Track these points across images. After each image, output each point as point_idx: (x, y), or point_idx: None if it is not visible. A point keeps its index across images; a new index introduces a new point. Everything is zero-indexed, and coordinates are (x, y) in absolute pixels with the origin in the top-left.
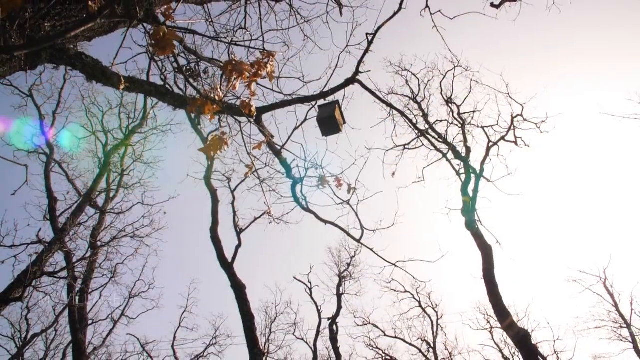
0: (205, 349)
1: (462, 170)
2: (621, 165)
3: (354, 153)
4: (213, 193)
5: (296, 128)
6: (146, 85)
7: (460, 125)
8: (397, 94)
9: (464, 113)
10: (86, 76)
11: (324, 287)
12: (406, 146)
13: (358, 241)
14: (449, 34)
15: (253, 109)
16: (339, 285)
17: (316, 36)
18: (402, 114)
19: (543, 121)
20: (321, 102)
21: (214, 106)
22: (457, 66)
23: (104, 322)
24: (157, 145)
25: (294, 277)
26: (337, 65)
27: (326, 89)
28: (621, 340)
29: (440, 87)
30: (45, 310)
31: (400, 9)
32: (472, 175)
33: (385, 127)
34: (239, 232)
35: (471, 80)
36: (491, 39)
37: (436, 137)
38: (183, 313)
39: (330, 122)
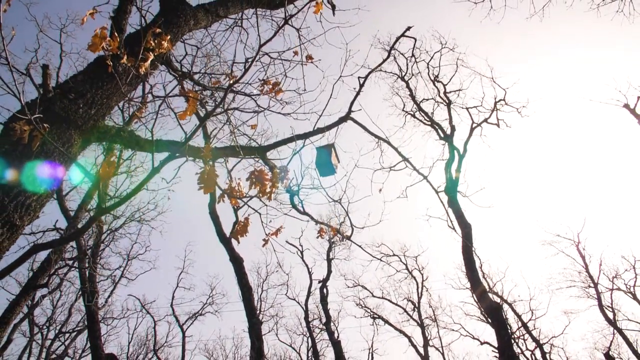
0: (202, 307)
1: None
2: (600, 139)
3: (346, 166)
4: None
5: (294, 154)
6: (172, 145)
7: (446, 104)
8: (385, 71)
9: (450, 92)
10: (124, 146)
11: (315, 252)
12: (392, 168)
13: (348, 238)
14: (441, 17)
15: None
16: (329, 250)
17: (312, 38)
18: (389, 143)
19: (524, 106)
20: (317, 138)
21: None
22: (444, 47)
23: (104, 283)
24: (157, 133)
25: (287, 241)
26: (331, 95)
27: (325, 108)
28: (589, 297)
29: (428, 67)
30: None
31: (389, 56)
32: (456, 155)
33: (373, 154)
34: (236, 209)
35: (457, 59)
36: (479, 24)
37: (423, 116)
38: (180, 274)
39: (327, 166)
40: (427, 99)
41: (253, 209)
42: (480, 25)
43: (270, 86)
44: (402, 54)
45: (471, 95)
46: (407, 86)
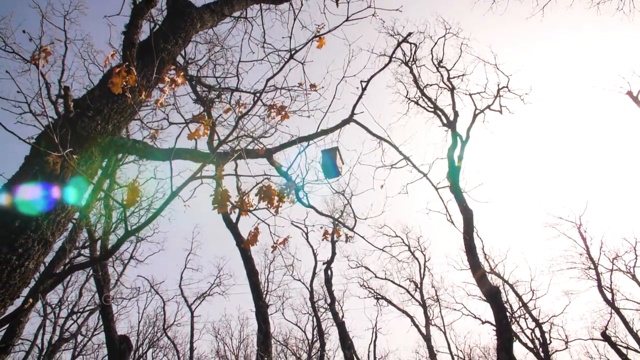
0: (210, 288)
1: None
2: (602, 125)
3: (349, 161)
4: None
5: (298, 155)
6: (183, 153)
7: (449, 90)
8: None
9: (454, 77)
10: (139, 157)
11: (320, 234)
12: (393, 166)
13: (351, 229)
14: (446, 5)
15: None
16: (333, 232)
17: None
18: (391, 143)
19: (527, 93)
20: (321, 137)
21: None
22: (448, 32)
23: (114, 264)
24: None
25: (292, 222)
26: (334, 95)
27: (330, 109)
28: (588, 279)
29: (432, 54)
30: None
31: (390, 61)
32: (459, 141)
33: (375, 153)
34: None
35: (461, 44)
36: (481, 14)
37: (427, 102)
38: (188, 255)
39: (332, 168)
40: (431, 85)
41: (262, 220)
42: (483, 16)
43: (276, 110)
44: (406, 40)
45: (474, 82)
46: (411, 72)
